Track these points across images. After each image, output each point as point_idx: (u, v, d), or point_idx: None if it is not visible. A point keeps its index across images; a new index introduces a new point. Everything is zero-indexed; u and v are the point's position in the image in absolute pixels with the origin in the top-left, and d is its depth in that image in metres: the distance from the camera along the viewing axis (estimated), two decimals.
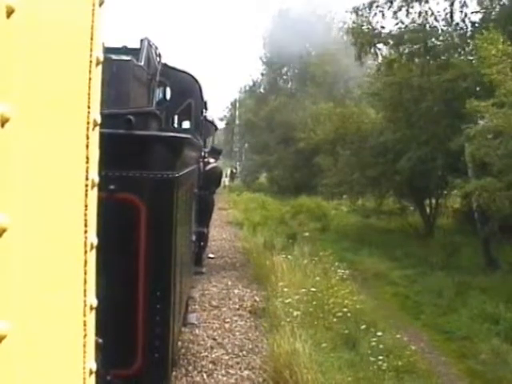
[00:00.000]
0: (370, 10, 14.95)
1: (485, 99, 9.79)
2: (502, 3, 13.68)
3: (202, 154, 9.71)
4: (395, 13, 14.55)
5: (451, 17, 14.41)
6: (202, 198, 9.72)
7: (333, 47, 29.97)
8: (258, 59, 41.15)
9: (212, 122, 8.99)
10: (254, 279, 9.82)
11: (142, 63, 5.95)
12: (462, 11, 14.26)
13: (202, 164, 10.18)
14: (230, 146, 47.93)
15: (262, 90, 42.42)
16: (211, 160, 10.50)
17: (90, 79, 1.10)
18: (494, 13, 13.67)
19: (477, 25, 13.88)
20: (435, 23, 14.41)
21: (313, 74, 33.34)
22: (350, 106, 19.19)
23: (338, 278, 8.73)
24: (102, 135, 1.20)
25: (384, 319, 8.03)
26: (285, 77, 40.47)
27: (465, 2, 14.20)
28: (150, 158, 3.89)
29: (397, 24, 14.67)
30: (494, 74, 9.31)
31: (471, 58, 12.94)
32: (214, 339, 6.76)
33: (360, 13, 15.06)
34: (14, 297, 0.81)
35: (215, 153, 10.90)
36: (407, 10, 14.43)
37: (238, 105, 47.07)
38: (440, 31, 14.36)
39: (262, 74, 41.99)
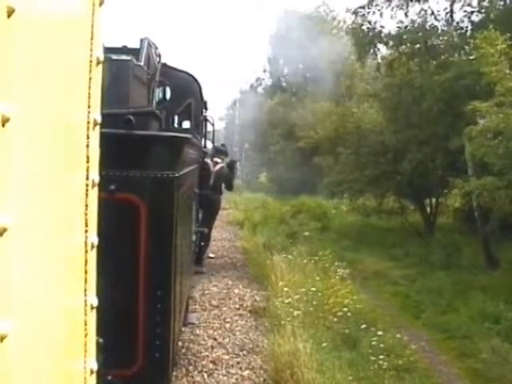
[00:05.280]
0: (368, 8, 14.95)
1: (484, 99, 9.79)
2: (503, 3, 13.67)
3: (207, 153, 9.71)
4: (394, 11, 14.56)
5: (451, 16, 14.41)
6: (209, 198, 9.71)
7: (335, 47, 29.94)
8: (260, 59, 41.21)
9: (207, 120, 8.98)
10: (255, 279, 9.81)
11: (142, 63, 5.94)
12: (465, 10, 14.24)
13: (211, 164, 10.21)
14: (230, 146, 47.89)
15: (262, 90, 42.47)
16: (218, 160, 10.55)
17: (90, 79, 1.10)
18: (493, 12, 13.65)
19: (476, 24, 13.87)
20: (435, 23, 14.41)
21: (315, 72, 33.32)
22: (350, 106, 19.17)
23: (338, 278, 8.72)
24: (102, 135, 1.20)
25: (384, 318, 8.03)
26: (287, 77, 40.47)
27: (465, 1, 14.20)
28: (150, 158, 3.89)
29: (397, 23, 14.68)
30: (492, 72, 9.31)
31: (471, 57, 12.93)
32: (215, 339, 6.75)
33: (359, 13, 15.06)
34: (15, 296, 0.81)
35: (221, 153, 10.98)
36: (406, 9, 14.43)
37: (238, 105, 47.06)
38: (440, 31, 14.35)
39: (265, 71, 42.03)
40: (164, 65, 7.06)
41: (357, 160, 16.61)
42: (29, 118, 0.85)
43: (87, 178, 1.10)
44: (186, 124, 7.98)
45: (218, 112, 50.00)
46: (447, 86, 12.64)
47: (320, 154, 21.16)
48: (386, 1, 14.66)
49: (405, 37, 14.25)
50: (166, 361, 3.95)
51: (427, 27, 14.19)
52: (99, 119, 1.16)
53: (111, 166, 2.84)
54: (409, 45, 14.35)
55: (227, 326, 7.30)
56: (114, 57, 4.79)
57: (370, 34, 14.95)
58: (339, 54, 25.51)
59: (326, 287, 8.05)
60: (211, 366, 5.95)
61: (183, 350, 6.22)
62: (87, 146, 1.10)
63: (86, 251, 1.10)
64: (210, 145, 10.84)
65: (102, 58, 1.15)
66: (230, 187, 11.21)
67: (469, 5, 14.16)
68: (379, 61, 15.79)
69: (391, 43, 14.77)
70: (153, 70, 6.52)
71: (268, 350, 6.21)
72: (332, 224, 17.84)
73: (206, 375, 5.70)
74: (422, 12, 14.33)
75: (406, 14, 14.47)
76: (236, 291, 9.02)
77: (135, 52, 6.07)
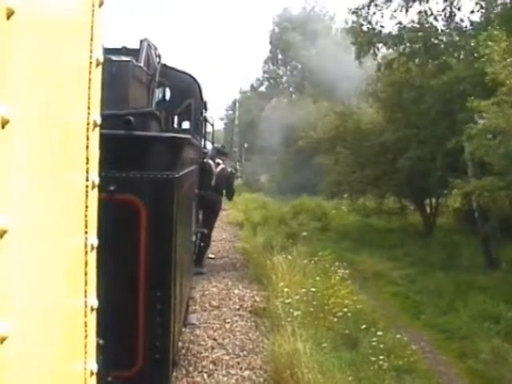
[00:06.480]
0: (368, 9, 14.96)
1: (482, 100, 9.77)
2: (504, 2, 13.66)
3: (207, 154, 9.72)
4: (395, 11, 14.57)
5: (450, 16, 14.41)
6: (210, 199, 9.72)
7: (333, 47, 30.00)
8: (261, 59, 41.36)
9: (207, 120, 8.99)
10: (255, 279, 9.81)
11: (142, 64, 5.94)
12: (455, 14, 14.29)
13: (213, 165, 10.23)
14: (229, 146, 47.86)
15: (263, 89, 42.56)
16: (219, 161, 10.58)
17: (89, 80, 1.10)
18: (493, 12, 13.65)
19: (476, 24, 13.88)
20: (435, 23, 14.42)
21: (313, 72, 33.38)
22: (349, 106, 19.15)
23: (338, 278, 8.72)
24: (101, 136, 1.20)
25: (384, 319, 8.03)
26: (285, 77, 40.55)
27: (459, 8, 14.25)
28: (150, 159, 3.89)
29: (396, 24, 14.68)
30: (498, 71, 9.27)
31: (471, 57, 12.92)
32: (215, 339, 6.75)
33: (359, 13, 15.06)
34: (15, 298, 0.81)
35: (222, 154, 11.04)
36: (406, 10, 14.43)
37: (237, 105, 47.08)
38: (440, 31, 14.36)
39: (265, 72, 42.12)
40: (164, 65, 7.06)
41: (357, 160, 16.61)
42: (28, 119, 0.85)
43: (87, 180, 1.10)
44: (186, 124, 7.98)
45: (217, 112, 50.02)
46: (446, 88, 12.65)
47: (320, 154, 21.15)
48: (387, 1, 14.66)
49: (405, 36, 14.25)
50: (166, 361, 3.95)
51: (427, 27, 14.19)
52: (99, 120, 1.16)
53: (111, 167, 2.84)
54: (408, 44, 14.36)
55: (227, 326, 7.30)
56: (114, 58, 4.78)
57: (370, 33, 14.95)
58: (337, 55, 25.54)
59: (326, 287, 8.05)
60: (211, 366, 5.95)
61: (183, 351, 6.21)
62: (87, 147, 1.10)
63: (86, 252, 1.10)
64: (209, 145, 10.85)
65: (101, 59, 1.15)
66: (231, 192, 11.13)
67: (459, 8, 14.19)
68: (379, 60, 15.78)
69: (390, 42, 14.77)
70: (152, 71, 6.52)
71: (268, 350, 6.21)
72: (332, 224, 17.85)
73: (206, 376, 5.70)
74: (422, 13, 14.33)
75: (406, 11, 14.47)
76: (236, 292, 9.02)
77: (135, 53, 6.07)
